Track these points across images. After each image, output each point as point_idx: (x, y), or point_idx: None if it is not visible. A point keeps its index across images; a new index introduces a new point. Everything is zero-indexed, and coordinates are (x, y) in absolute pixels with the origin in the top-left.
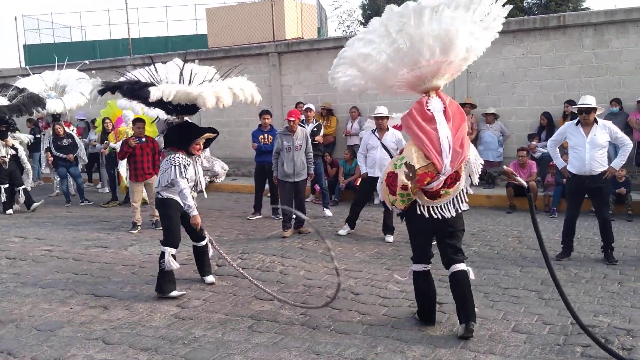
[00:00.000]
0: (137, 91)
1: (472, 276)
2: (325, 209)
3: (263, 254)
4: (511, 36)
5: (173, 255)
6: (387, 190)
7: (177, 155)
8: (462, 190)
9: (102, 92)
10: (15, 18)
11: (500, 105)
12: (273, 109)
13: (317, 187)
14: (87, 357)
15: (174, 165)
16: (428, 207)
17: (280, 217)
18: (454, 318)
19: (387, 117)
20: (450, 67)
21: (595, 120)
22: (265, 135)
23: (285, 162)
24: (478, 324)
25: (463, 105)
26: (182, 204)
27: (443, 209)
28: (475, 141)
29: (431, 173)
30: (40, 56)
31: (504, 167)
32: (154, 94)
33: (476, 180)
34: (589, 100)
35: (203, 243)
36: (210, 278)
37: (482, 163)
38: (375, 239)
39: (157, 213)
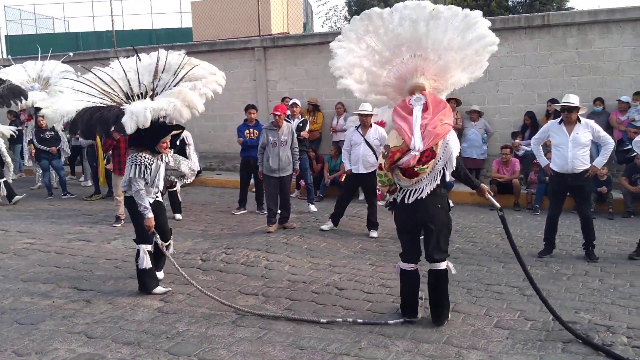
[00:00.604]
0: (110, 123)
1: (453, 271)
2: (310, 204)
3: (248, 248)
4: (496, 34)
5: (149, 251)
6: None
7: (140, 154)
8: (440, 171)
9: (73, 131)
10: None
11: (484, 103)
12: (258, 103)
13: (302, 182)
14: (69, 350)
15: (135, 164)
16: (408, 191)
17: (265, 212)
18: None
19: (371, 115)
20: (427, 64)
21: (578, 119)
22: (251, 129)
23: (271, 157)
24: (461, 319)
25: (448, 100)
26: (137, 205)
27: (421, 190)
28: (460, 138)
29: (401, 149)
30: (22, 47)
31: (483, 185)
32: (130, 125)
33: (452, 166)
34: (572, 99)
35: (167, 243)
36: (159, 274)
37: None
38: (359, 234)
39: None
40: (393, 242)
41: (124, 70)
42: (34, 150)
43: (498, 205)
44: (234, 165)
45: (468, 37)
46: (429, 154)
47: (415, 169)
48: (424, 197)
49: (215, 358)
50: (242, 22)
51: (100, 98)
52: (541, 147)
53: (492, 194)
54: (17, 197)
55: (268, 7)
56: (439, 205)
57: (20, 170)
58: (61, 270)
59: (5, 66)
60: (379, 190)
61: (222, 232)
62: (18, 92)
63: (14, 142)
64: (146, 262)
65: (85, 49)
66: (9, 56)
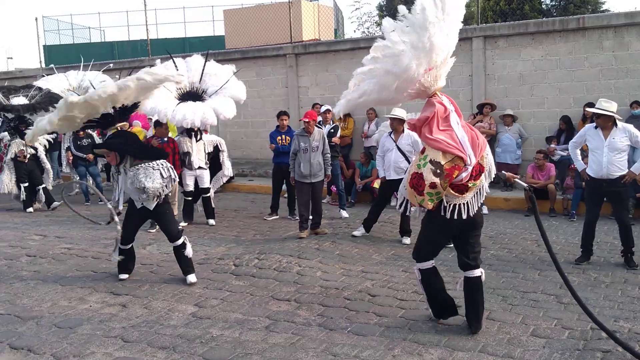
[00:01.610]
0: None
1: (484, 278)
2: (341, 210)
3: (280, 254)
4: (529, 38)
5: (121, 250)
6: (413, 192)
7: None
8: (483, 185)
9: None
10: (36, 19)
11: (518, 107)
12: (290, 110)
13: (334, 188)
14: (106, 354)
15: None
16: (454, 205)
17: (297, 218)
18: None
19: (403, 120)
20: (450, 65)
21: (615, 124)
22: (283, 136)
23: (302, 163)
24: (496, 327)
25: (483, 105)
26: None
27: (469, 206)
28: (493, 143)
29: (458, 166)
30: (59, 57)
31: (503, 172)
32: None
33: (492, 176)
34: (605, 105)
35: (178, 243)
36: (190, 278)
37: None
38: (391, 240)
39: (175, 213)
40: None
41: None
42: (71, 157)
43: (526, 185)
44: (266, 171)
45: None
46: (478, 168)
47: (469, 185)
48: (473, 214)
49: None
50: (273, 29)
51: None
52: (579, 151)
53: (517, 177)
54: (55, 204)
55: (299, 14)
56: (480, 211)
57: (58, 177)
58: (98, 274)
59: (43, 76)
60: (419, 207)
61: (254, 237)
62: (54, 99)
63: (50, 149)
64: (115, 258)
65: (120, 57)
66: (52, 65)
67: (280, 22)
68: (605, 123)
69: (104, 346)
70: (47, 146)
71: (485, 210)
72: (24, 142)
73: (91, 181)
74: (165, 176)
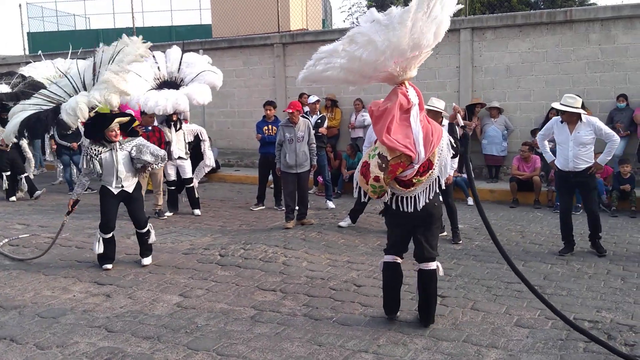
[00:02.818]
0: (49, 122)
1: (441, 273)
2: (328, 200)
3: (266, 244)
4: (517, 30)
5: (104, 239)
6: (362, 180)
7: (90, 146)
8: (435, 180)
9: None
10: (20, 5)
11: (505, 99)
12: (277, 99)
13: (320, 179)
14: (90, 344)
15: (83, 155)
16: (401, 198)
17: (283, 208)
18: (456, 311)
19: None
20: (426, 56)
21: (580, 118)
22: (269, 126)
23: (288, 154)
24: (481, 317)
25: (474, 106)
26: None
27: (417, 200)
28: (480, 135)
29: (403, 163)
30: (44, 44)
31: (454, 104)
32: (69, 120)
33: (447, 171)
34: (569, 102)
35: (144, 231)
36: (146, 260)
37: (452, 154)
38: (377, 231)
39: (160, 202)
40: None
41: (63, 73)
42: (55, 146)
43: (462, 123)
44: (253, 161)
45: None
46: (426, 164)
47: (413, 180)
48: (420, 207)
49: (234, 353)
50: (261, 19)
51: (44, 102)
52: (546, 143)
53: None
54: (38, 192)
55: (287, 4)
56: (435, 204)
57: (42, 165)
58: (82, 264)
59: (26, 63)
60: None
61: (240, 227)
62: (39, 89)
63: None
64: (97, 248)
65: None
66: (40, 52)
67: (267, 11)
68: (570, 118)
69: (88, 336)
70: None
71: (470, 201)
72: (3, 129)
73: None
74: (155, 154)
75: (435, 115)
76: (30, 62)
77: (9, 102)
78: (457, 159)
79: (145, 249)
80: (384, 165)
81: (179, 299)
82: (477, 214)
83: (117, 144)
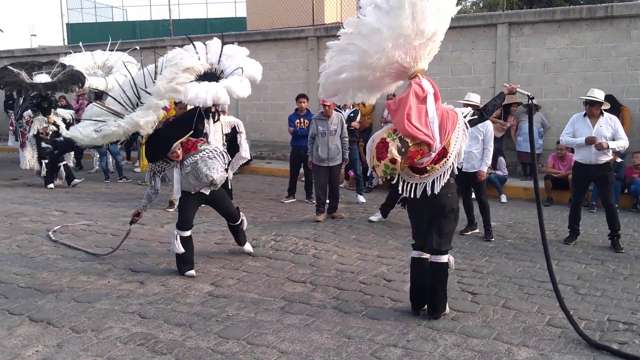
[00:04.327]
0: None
1: (452, 266)
2: (358, 195)
3: (296, 237)
4: (556, 26)
5: (182, 238)
6: (374, 153)
7: (155, 163)
8: (449, 168)
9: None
10: None
11: (542, 96)
12: (310, 93)
13: (352, 172)
14: (123, 329)
15: (148, 171)
16: (413, 185)
17: (314, 201)
18: (487, 309)
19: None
20: (435, 46)
21: (602, 113)
22: (302, 119)
23: (320, 147)
24: (512, 316)
25: (509, 105)
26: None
27: (427, 187)
28: (515, 132)
29: (423, 151)
30: (82, 35)
31: (504, 84)
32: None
33: (461, 158)
34: (597, 94)
35: (238, 223)
36: (247, 247)
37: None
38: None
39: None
40: None
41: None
42: None
43: (528, 93)
44: (284, 154)
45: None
46: (441, 152)
47: (427, 168)
48: (435, 193)
49: (263, 343)
50: (296, 12)
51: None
52: (572, 138)
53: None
54: (75, 181)
55: None
56: (449, 195)
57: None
58: (117, 251)
59: (66, 54)
60: (372, 169)
61: (271, 219)
62: (77, 79)
63: (69, 127)
64: (176, 247)
65: (142, 37)
66: (80, 43)
67: (302, 4)
68: (593, 112)
69: (122, 321)
70: (71, 121)
71: (504, 199)
72: (46, 119)
73: (111, 159)
74: (223, 162)
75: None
76: (70, 53)
77: (48, 92)
78: (490, 155)
79: (242, 236)
80: (403, 150)
81: (210, 287)
82: (509, 212)
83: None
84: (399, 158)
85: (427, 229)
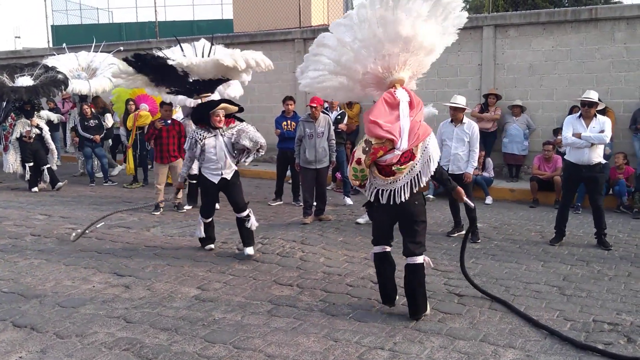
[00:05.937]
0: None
1: (431, 265)
2: (346, 197)
3: (283, 239)
4: (541, 28)
5: (205, 224)
6: (350, 160)
7: (195, 129)
8: (418, 175)
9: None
10: None
11: (527, 98)
12: (297, 95)
13: (339, 175)
14: (108, 334)
15: (188, 138)
16: (380, 190)
17: (301, 203)
18: (474, 310)
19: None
20: (414, 59)
21: (595, 114)
22: (289, 121)
23: (307, 149)
24: (498, 317)
25: (487, 95)
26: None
27: (395, 193)
28: (501, 134)
29: (385, 147)
30: (67, 37)
31: (457, 187)
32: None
33: (431, 170)
34: (592, 96)
35: (244, 214)
36: (248, 250)
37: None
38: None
39: (180, 196)
40: (429, 238)
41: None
42: (76, 138)
43: (472, 204)
44: (271, 156)
45: (446, 23)
46: (408, 155)
47: (393, 168)
48: (402, 201)
49: (250, 347)
50: (282, 14)
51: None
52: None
53: (466, 196)
54: (59, 184)
55: None
56: (416, 202)
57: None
58: (101, 255)
59: (50, 56)
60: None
61: (258, 222)
62: (60, 82)
63: (52, 129)
64: (200, 232)
65: (128, 39)
66: (64, 45)
67: (289, 6)
68: (588, 113)
69: (107, 326)
70: (58, 122)
71: (489, 200)
72: (29, 122)
73: (97, 162)
74: (254, 140)
75: (456, 111)
76: (54, 55)
77: (30, 97)
78: (476, 157)
79: (247, 237)
80: (367, 149)
81: (196, 291)
82: (495, 213)
83: (221, 130)
84: (362, 157)
85: (401, 230)
